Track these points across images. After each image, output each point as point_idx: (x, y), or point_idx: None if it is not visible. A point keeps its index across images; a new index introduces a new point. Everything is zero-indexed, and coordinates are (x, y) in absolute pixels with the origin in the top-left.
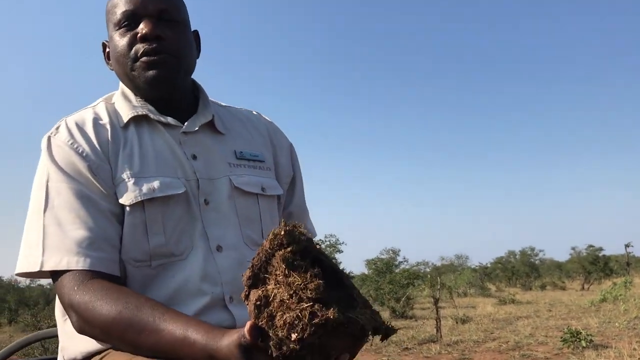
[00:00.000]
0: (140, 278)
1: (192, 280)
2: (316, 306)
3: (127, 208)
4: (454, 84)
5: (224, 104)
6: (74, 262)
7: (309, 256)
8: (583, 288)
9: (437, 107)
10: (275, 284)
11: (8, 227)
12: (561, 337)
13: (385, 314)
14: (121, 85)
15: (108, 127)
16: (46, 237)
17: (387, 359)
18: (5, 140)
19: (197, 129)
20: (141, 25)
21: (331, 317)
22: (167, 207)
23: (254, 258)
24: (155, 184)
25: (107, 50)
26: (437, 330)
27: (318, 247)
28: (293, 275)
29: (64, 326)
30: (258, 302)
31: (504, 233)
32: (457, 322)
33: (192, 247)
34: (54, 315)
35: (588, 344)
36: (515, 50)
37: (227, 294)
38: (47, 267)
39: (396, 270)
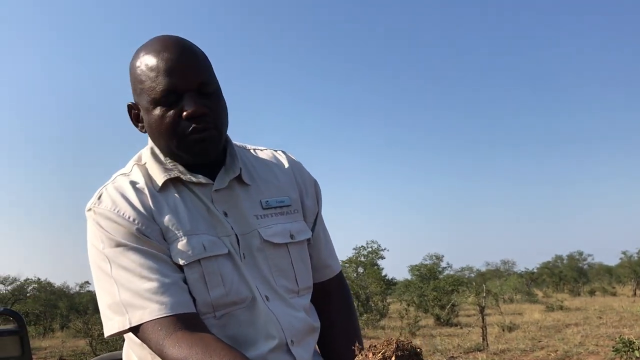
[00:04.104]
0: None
1: (259, 325)
2: None
3: (185, 266)
4: (495, 85)
5: (249, 146)
6: (155, 310)
7: None
8: (635, 294)
9: (480, 111)
10: None
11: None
12: (613, 347)
13: (429, 321)
14: (151, 144)
15: (146, 191)
16: (121, 296)
17: None
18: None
19: (226, 185)
20: (186, 104)
21: None
22: (219, 261)
23: None
24: (206, 240)
25: (135, 111)
26: (483, 339)
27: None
28: None
29: None
30: None
31: (551, 237)
32: (503, 330)
33: (252, 295)
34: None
35: None
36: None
37: (289, 337)
38: (135, 322)
39: (440, 277)
